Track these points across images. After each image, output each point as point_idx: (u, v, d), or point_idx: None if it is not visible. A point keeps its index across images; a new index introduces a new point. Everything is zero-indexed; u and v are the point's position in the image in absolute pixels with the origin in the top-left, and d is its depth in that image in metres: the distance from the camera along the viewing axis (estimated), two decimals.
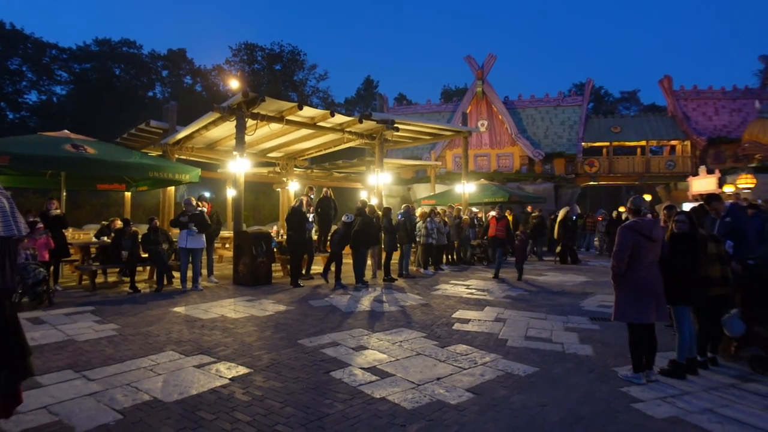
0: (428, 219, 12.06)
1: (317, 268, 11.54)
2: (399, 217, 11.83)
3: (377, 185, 12.94)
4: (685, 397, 4.02)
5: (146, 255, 9.59)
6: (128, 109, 32.91)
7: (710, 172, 20.46)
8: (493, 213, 12.17)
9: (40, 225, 8.25)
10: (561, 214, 14.87)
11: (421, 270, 12.28)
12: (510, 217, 17.12)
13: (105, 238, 10.22)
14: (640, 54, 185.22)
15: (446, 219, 13.25)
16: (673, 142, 25.34)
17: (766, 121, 20.99)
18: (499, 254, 11.53)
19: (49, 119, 30.47)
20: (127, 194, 14.44)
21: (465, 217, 14.26)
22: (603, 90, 55.19)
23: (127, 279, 9.45)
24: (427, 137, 15.79)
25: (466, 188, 15.85)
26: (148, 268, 10.89)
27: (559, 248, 14.76)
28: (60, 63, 39.22)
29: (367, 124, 12.08)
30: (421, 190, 23.41)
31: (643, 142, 25.09)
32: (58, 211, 9.40)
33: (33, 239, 7.87)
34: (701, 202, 5.06)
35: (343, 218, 10.19)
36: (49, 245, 8.29)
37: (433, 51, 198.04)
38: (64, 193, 10.93)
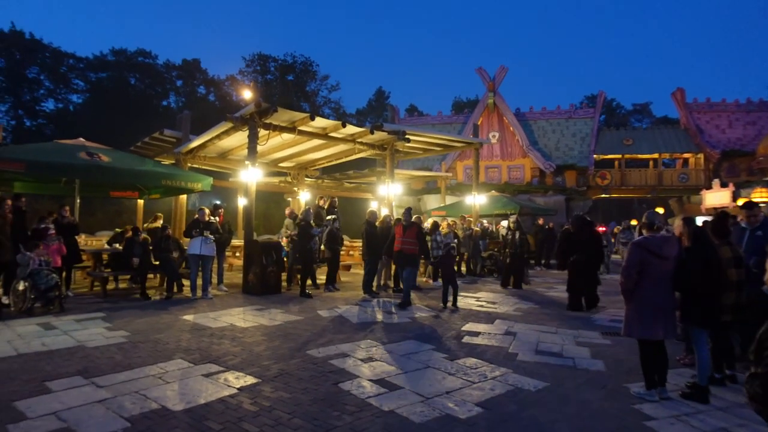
0: (436, 233, 11.86)
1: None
2: None
3: (388, 196, 12.95)
4: (699, 416, 3.94)
5: (157, 262, 9.66)
6: (142, 118, 33.26)
7: (724, 185, 20.23)
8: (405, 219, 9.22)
9: (53, 231, 8.36)
10: (511, 223, 11.93)
11: (431, 282, 12.22)
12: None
13: (117, 245, 10.32)
14: (652, 66, 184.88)
15: (457, 231, 13.20)
16: (686, 155, 25.16)
17: None
18: (410, 275, 9.13)
19: (65, 127, 30.83)
20: (140, 201, 14.61)
21: (476, 228, 14.21)
22: (615, 102, 55.01)
23: (138, 286, 9.51)
24: (438, 148, 15.79)
25: (477, 200, 15.81)
26: (158, 275, 10.96)
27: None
28: (77, 72, 39.91)
29: (379, 135, 12.11)
30: (432, 201, 23.40)
31: (656, 155, 24.95)
32: (72, 217, 9.52)
33: (46, 245, 7.97)
34: (720, 214, 4.84)
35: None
36: (61, 251, 8.41)
37: (445, 63, 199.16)
38: (78, 200, 11.06)
